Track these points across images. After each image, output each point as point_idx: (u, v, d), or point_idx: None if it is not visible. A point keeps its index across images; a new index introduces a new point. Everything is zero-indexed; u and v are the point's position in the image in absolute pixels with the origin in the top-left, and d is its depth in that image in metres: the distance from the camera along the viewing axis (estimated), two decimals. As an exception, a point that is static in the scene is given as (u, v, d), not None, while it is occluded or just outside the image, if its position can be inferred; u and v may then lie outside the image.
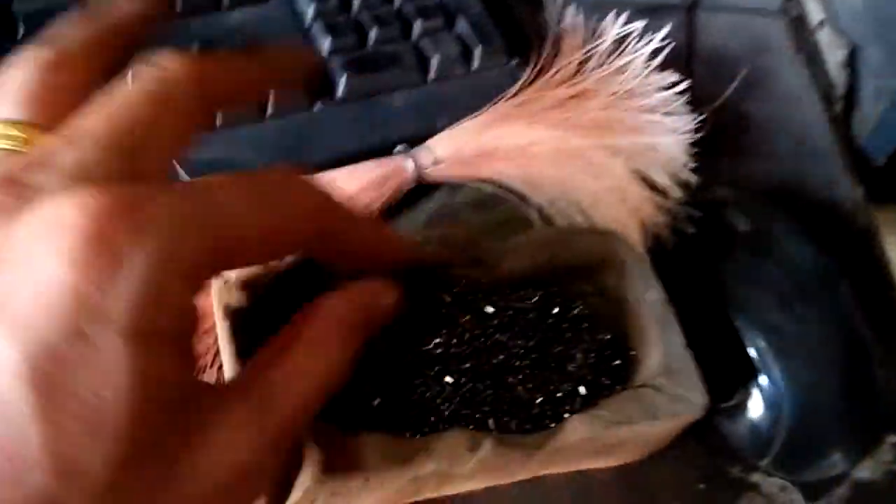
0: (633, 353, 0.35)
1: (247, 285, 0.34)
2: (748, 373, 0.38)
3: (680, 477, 0.39)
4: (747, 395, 0.38)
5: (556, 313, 0.37)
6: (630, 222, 0.44)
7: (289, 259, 0.35)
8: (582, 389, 0.35)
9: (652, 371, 0.33)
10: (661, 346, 0.34)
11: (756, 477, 0.39)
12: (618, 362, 0.35)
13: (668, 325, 0.34)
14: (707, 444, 0.39)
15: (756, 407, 0.38)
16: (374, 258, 0.30)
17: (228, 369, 0.32)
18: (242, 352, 0.32)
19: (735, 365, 0.38)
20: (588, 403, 0.34)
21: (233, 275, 0.34)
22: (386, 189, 0.44)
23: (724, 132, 0.48)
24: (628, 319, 0.36)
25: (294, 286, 0.35)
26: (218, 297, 0.34)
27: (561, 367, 0.35)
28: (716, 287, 0.39)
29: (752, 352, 0.37)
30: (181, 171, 0.41)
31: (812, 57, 0.55)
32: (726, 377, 0.37)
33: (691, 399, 0.32)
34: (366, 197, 0.43)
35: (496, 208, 0.46)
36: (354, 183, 0.43)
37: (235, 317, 0.33)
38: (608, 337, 0.36)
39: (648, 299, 0.35)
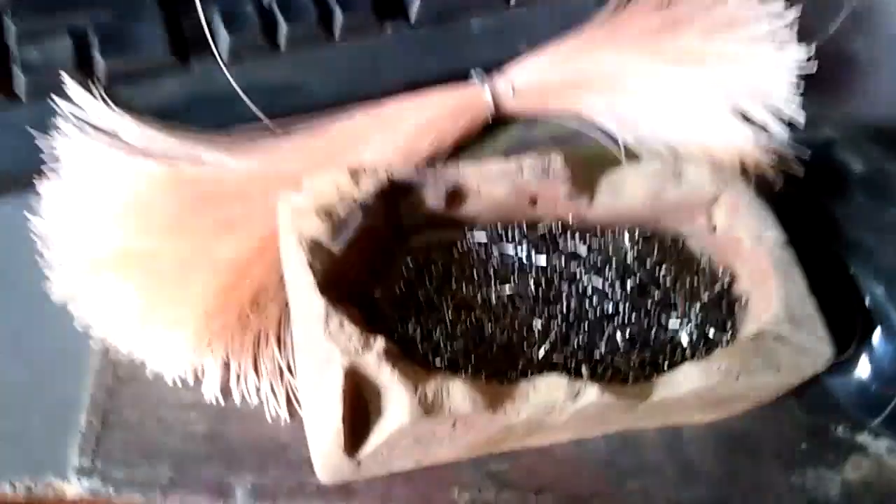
0: (748, 298, 0.32)
1: (324, 212, 0.31)
2: (863, 324, 0.34)
3: (780, 435, 0.35)
4: (860, 348, 0.34)
5: (659, 254, 0.33)
6: (731, 163, 0.40)
7: (369, 189, 0.32)
8: (685, 338, 0.32)
9: (772, 318, 0.30)
10: (782, 290, 0.30)
11: (863, 438, 0.36)
12: (730, 309, 0.32)
13: (790, 268, 0.31)
14: (810, 400, 0.36)
15: (869, 362, 0.34)
16: None
17: (302, 302, 0.29)
18: (323, 286, 0.29)
19: (848, 315, 0.34)
20: (695, 353, 0.31)
21: (306, 200, 0.31)
22: (460, 121, 0.40)
23: (827, 70, 0.44)
24: (743, 261, 0.32)
25: (372, 218, 0.32)
26: (289, 222, 0.31)
27: (664, 314, 0.32)
28: (829, 231, 0.36)
29: (868, 301, 0.34)
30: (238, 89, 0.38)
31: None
32: (838, 328, 0.34)
33: (817, 350, 0.29)
34: (437, 129, 0.40)
35: (579, 146, 0.42)
36: (425, 113, 0.40)
37: (313, 247, 0.30)
38: (719, 281, 0.33)
39: (766, 239, 0.31)
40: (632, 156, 0.41)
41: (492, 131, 0.42)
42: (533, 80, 0.41)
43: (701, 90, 0.41)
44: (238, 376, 0.34)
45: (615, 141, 0.42)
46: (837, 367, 0.35)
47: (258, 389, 0.34)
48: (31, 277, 0.34)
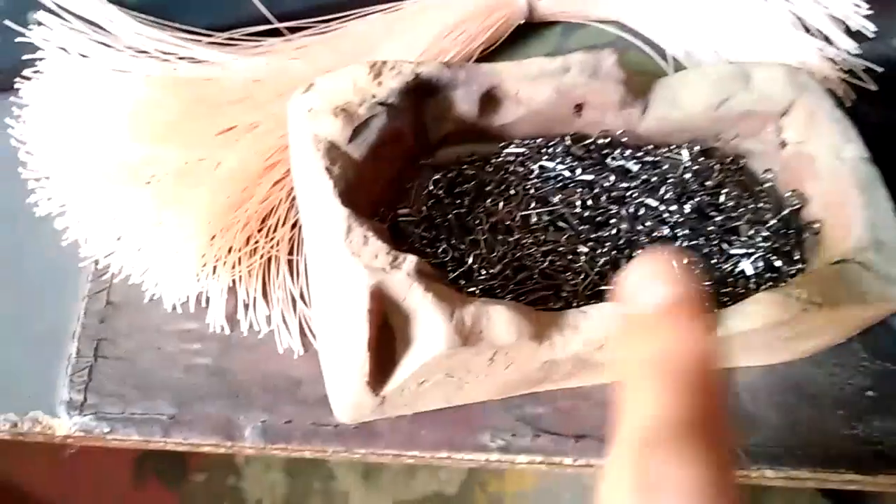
0: (821, 224, 0.28)
1: (342, 112, 0.27)
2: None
3: (844, 382, 0.32)
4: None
5: (720, 174, 0.30)
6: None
7: (392, 86, 0.27)
8: (749, 268, 0.28)
9: (856, 244, 0.26)
10: (867, 213, 0.26)
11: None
12: (800, 236, 0.28)
13: (874, 188, 0.27)
14: (876, 342, 0.32)
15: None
16: None
17: (319, 215, 0.26)
18: (343, 196, 0.25)
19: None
20: (760, 286, 0.27)
21: (321, 100, 0.27)
22: (490, 22, 0.36)
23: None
24: (816, 182, 0.28)
25: (396, 120, 0.28)
26: (302, 125, 0.27)
27: (726, 240, 0.29)
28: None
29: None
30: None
31: None
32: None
33: (903, 278, 0.25)
34: (464, 31, 0.35)
35: (620, 56, 0.38)
36: (450, 13, 0.35)
37: (330, 150, 0.26)
38: (788, 204, 0.29)
39: (848, 156, 0.28)
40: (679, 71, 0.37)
41: (524, 37, 0.37)
42: (572, -20, 0.37)
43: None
44: (246, 304, 0.31)
45: (662, 55, 0.37)
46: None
47: (268, 318, 0.30)
48: (12, 190, 0.30)
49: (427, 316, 0.23)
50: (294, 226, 0.31)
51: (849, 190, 0.27)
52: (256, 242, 0.30)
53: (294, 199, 0.31)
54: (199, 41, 0.33)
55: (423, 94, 0.28)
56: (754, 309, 0.25)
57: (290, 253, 0.31)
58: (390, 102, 0.27)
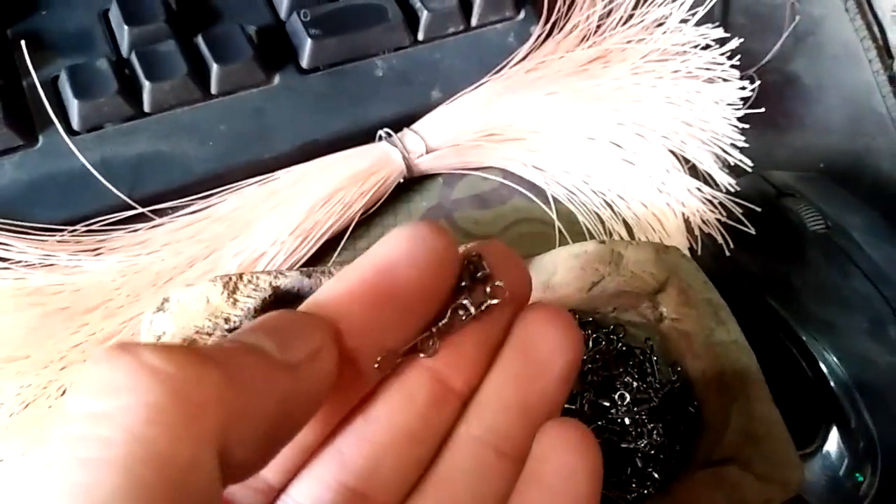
0: (702, 404, 0.27)
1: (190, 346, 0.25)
2: (829, 411, 0.30)
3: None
4: (826, 438, 0.31)
5: (598, 355, 0.29)
6: (671, 220, 0.35)
7: (248, 305, 0.26)
8: (630, 470, 0.27)
9: (733, 441, 0.25)
10: (743, 402, 0.26)
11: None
12: (684, 417, 0.28)
13: (749, 373, 0.26)
14: None
15: (838, 454, 0.30)
16: None
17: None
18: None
19: (812, 400, 0.30)
20: (647, 487, 0.27)
21: (172, 324, 0.25)
22: (368, 187, 0.35)
23: (769, 98, 0.40)
24: (695, 359, 0.28)
25: None
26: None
27: (609, 438, 0.28)
28: (786, 304, 0.32)
29: (834, 386, 0.30)
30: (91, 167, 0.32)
31: (864, 5, 0.46)
32: (801, 415, 0.30)
33: (785, 477, 0.25)
34: (342, 199, 0.34)
35: (503, 204, 0.37)
36: (330, 179, 0.34)
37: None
38: (672, 379, 0.28)
39: (720, 339, 0.27)
40: (564, 214, 0.36)
41: (406, 191, 0.36)
42: (448, 132, 0.36)
43: (636, 133, 0.36)
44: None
45: (545, 198, 0.37)
46: (805, 459, 0.31)
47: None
48: None
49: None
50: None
51: (725, 375, 0.27)
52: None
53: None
54: (53, 240, 0.31)
55: (282, 306, 0.27)
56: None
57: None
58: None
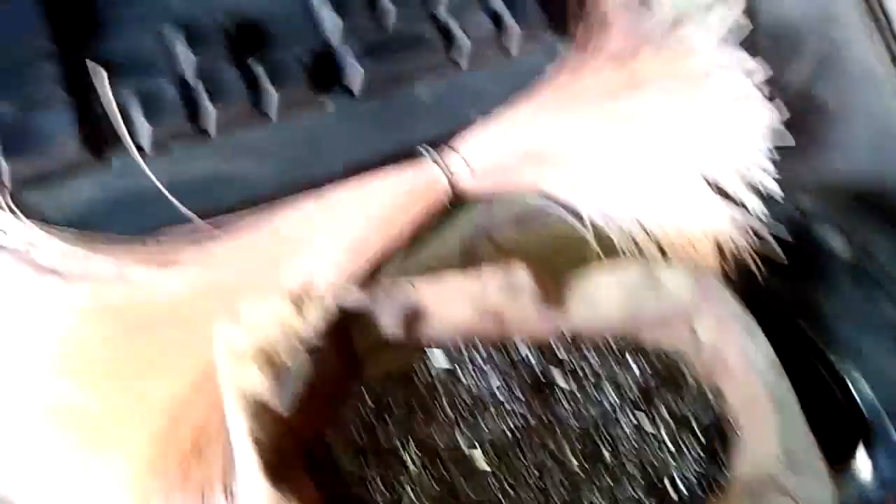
0: (741, 427, 0.29)
1: (265, 360, 0.27)
2: (859, 432, 0.32)
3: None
4: (856, 459, 0.32)
5: (632, 378, 0.30)
6: (703, 243, 0.37)
7: (316, 322, 0.28)
8: (672, 491, 0.29)
9: (767, 457, 0.27)
10: (779, 427, 0.27)
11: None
12: (723, 440, 0.29)
13: (784, 396, 0.28)
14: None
15: (868, 474, 0.32)
16: None
17: (245, 473, 0.26)
18: (268, 456, 0.25)
19: (843, 422, 0.32)
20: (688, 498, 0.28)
21: (244, 338, 0.27)
22: (415, 207, 0.37)
23: (794, 122, 0.41)
24: (732, 383, 0.29)
25: (322, 362, 0.28)
26: (228, 370, 0.27)
27: (639, 459, 0.29)
28: (816, 328, 0.33)
29: (864, 408, 0.32)
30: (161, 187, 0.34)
31: (885, 27, 0.48)
32: (832, 437, 0.32)
33: (819, 499, 0.26)
34: (390, 218, 0.36)
35: (542, 225, 0.39)
36: (377, 204, 0.36)
37: (256, 411, 0.26)
38: (713, 403, 0.30)
39: (757, 363, 0.29)
40: (601, 237, 0.38)
41: (450, 214, 0.38)
42: (489, 155, 0.38)
43: (668, 157, 0.38)
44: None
45: (581, 219, 0.38)
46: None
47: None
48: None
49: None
50: (227, 444, 0.31)
51: (761, 399, 0.28)
52: (190, 468, 0.30)
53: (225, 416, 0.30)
54: (128, 256, 0.33)
55: (347, 320, 0.29)
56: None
57: (225, 475, 0.31)
58: (315, 346, 0.27)
